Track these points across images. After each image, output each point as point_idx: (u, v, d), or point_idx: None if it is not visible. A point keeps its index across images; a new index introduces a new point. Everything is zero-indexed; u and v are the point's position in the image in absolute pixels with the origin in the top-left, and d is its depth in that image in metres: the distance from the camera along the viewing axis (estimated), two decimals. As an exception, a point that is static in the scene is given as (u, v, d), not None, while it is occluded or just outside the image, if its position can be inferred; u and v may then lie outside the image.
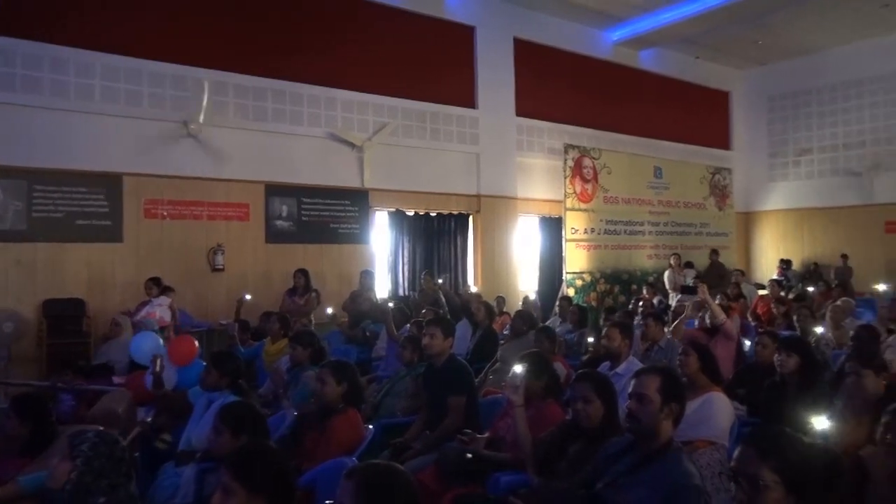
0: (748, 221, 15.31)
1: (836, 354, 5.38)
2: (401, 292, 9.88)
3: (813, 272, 13.27)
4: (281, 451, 2.12)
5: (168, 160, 8.10)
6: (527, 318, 6.11)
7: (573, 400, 2.90)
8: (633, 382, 2.48)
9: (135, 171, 7.88)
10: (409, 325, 6.21)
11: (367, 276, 8.41)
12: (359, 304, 7.87)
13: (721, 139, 15.20)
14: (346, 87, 9.48)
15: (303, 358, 4.57)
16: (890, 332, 6.06)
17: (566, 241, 10.76)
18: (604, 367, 4.31)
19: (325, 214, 9.32)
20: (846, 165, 13.87)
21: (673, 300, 9.57)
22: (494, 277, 10.78)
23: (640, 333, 5.51)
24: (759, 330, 6.05)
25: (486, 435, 3.52)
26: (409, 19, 10.06)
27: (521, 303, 9.51)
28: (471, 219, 10.87)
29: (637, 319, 6.88)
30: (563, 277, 10.83)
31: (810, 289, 9.98)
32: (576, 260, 10.86)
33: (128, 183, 7.86)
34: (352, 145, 9.47)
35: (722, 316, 5.36)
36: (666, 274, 11.23)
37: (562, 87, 11.97)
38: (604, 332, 4.57)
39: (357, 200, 9.60)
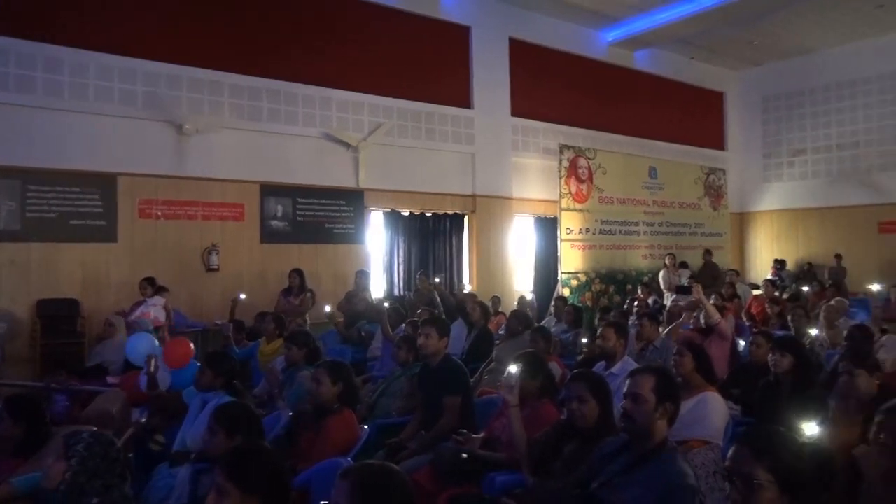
0: (743, 222, 15.37)
1: (830, 354, 5.41)
2: (396, 292, 9.88)
3: (807, 272, 13.33)
4: (275, 452, 2.11)
5: (163, 160, 8.07)
6: (522, 318, 6.11)
7: (568, 400, 2.90)
8: (627, 382, 2.49)
9: (129, 171, 7.86)
10: (404, 325, 6.21)
11: (362, 276, 8.41)
12: (354, 305, 7.87)
13: (716, 140, 15.25)
14: (342, 87, 9.47)
15: (298, 358, 4.57)
16: (883, 331, 6.09)
17: (561, 241, 10.77)
18: (599, 366, 4.32)
19: (320, 214, 9.31)
20: (840, 166, 13.93)
21: (668, 300, 9.59)
22: (490, 277, 10.78)
23: (636, 333, 5.53)
24: (754, 330, 6.07)
25: (482, 435, 3.53)
26: (405, 19, 10.06)
27: (516, 302, 9.51)
28: (466, 219, 10.88)
29: (632, 319, 6.90)
30: (559, 277, 10.84)
31: (805, 288, 10.02)
32: (571, 260, 10.87)
33: (122, 183, 7.84)
34: (347, 145, 9.46)
35: (717, 316, 5.38)
36: (661, 274, 11.25)
37: (557, 88, 11.98)
38: (599, 332, 4.57)
39: (352, 200, 9.59)
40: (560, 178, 10.71)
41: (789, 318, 6.63)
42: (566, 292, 10.48)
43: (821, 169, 14.26)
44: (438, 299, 7.82)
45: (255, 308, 7.19)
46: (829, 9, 11.67)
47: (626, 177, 11.84)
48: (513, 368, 3.25)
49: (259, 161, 8.77)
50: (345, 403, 3.49)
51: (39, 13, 7.34)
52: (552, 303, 8.90)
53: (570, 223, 10.86)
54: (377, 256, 10.08)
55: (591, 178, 11.18)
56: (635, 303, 8.62)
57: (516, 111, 11.37)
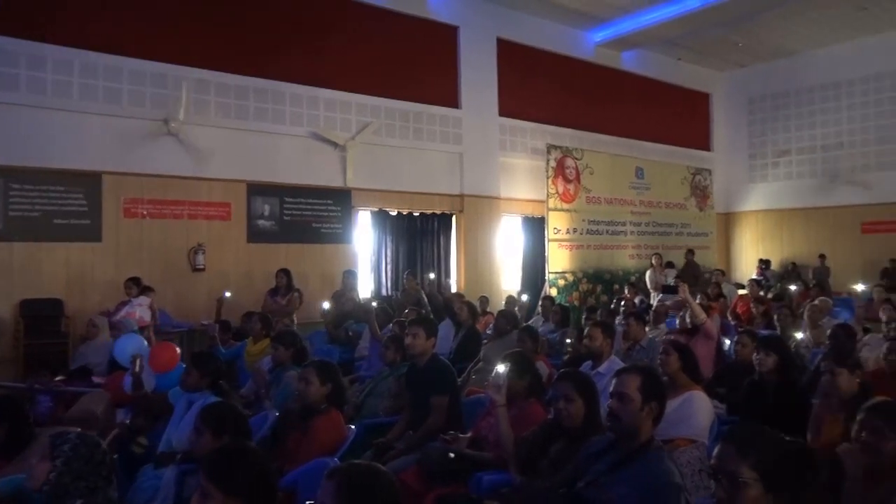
0: (728, 222, 15.49)
1: (814, 353, 5.46)
2: (384, 292, 9.86)
3: (791, 272, 13.46)
4: (260, 452, 2.10)
5: (148, 159, 8.01)
6: (510, 318, 6.12)
7: (555, 399, 2.91)
8: (614, 382, 2.50)
9: (114, 170, 7.79)
10: (391, 324, 6.21)
11: (349, 276, 8.40)
12: (342, 304, 7.85)
13: (702, 140, 15.36)
14: (329, 87, 9.44)
15: (285, 358, 4.55)
16: (866, 330, 6.17)
17: (549, 240, 10.80)
18: (586, 366, 4.34)
19: (307, 214, 9.28)
20: (824, 167, 14.07)
21: (654, 300, 9.64)
22: (477, 277, 10.79)
23: (622, 333, 5.55)
24: (739, 329, 6.11)
25: (469, 434, 3.53)
26: (392, 18, 10.05)
27: (503, 302, 9.52)
28: (454, 219, 10.88)
29: (619, 319, 6.93)
30: (546, 277, 10.87)
31: (793, 287, 10.11)
32: (558, 260, 10.90)
33: (107, 182, 7.77)
34: (334, 145, 9.44)
35: (702, 315, 5.41)
36: (647, 274, 11.32)
37: (545, 88, 12.02)
38: (586, 331, 4.59)
39: (340, 200, 9.57)
40: (547, 178, 10.74)
41: (775, 317, 6.69)
42: (553, 292, 10.52)
43: (805, 170, 14.40)
44: (425, 299, 7.82)
45: (241, 308, 7.16)
46: (813, 11, 11.79)
47: (613, 177, 11.89)
48: (501, 368, 3.26)
49: (246, 160, 8.73)
50: (332, 404, 3.48)
51: (22, 10, 7.26)
52: (539, 302, 8.93)
53: (558, 223, 10.89)
54: (365, 256, 10.05)
55: (578, 179, 11.22)
56: (622, 302, 8.66)
57: (504, 111, 11.39)
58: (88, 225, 7.66)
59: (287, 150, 9.09)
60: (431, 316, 6.99)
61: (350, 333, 7.34)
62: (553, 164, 10.81)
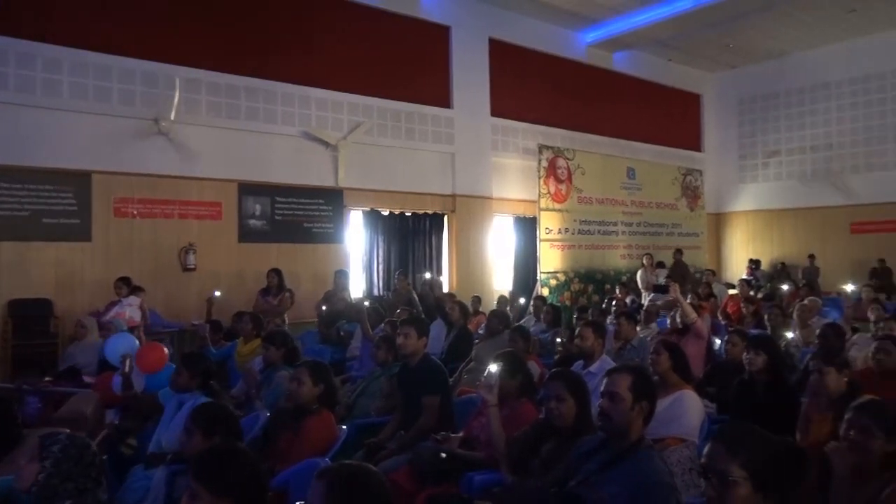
0: (719, 222, 15.57)
1: (804, 352, 5.49)
2: (375, 292, 9.86)
3: (780, 272, 13.54)
4: (249, 452, 2.08)
5: (139, 158, 7.97)
6: (502, 318, 6.13)
7: (546, 399, 2.92)
8: (604, 381, 2.51)
9: (104, 169, 7.75)
10: (383, 324, 6.20)
11: (341, 275, 8.38)
12: (333, 304, 7.84)
13: (693, 141, 15.43)
14: (321, 86, 9.42)
15: (276, 358, 4.53)
16: (855, 330, 6.22)
17: (540, 240, 10.83)
18: (577, 365, 4.35)
19: (299, 213, 9.26)
20: (813, 167, 14.17)
21: (645, 299, 9.68)
22: (469, 277, 10.80)
23: (614, 332, 5.57)
24: (729, 329, 6.14)
25: (460, 434, 3.53)
26: (385, 18, 10.04)
27: (495, 302, 9.52)
28: (446, 218, 10.88)
29: (610, 318, 6.95)
30: (538, 277, 10.89)
31: (784, 287, 10.18)
32: (550, 260, 10.93)
33: (97, 181, 7.72)
34: (326, 144, 9.42)
35: (693, 315, 5.44)
36: (639, 273, 11.36)
37: (536, 88, 12.04)
38: (577, 331, 4.60)
39: (331, 200, 9.55)
40: (539, 178, 10.77)
41: (765, 317, 6.73)
42: (545, 292, 10.54)
43: (795, 170, 14.50)
44: (417, 299, 7.82)
45: (232, 308, 7.12)
46: (803, 13, 11.87)
47: (604, 177, 11.93)
48: (493, 368, 3.26)
49: (237, 159, 8.70)
50: (324, 404, 3.47)
51: (10, 9, 7.20)
52: (531, 302, 8.94)
53: (549, 223, 10.92)
54: (356, 256, 10.04)
55: (569, 179, 11.24)
56: (613, 302, 8.69)
57: (496, 111, 11.40)
58: (78, 224, 7.61)
59: (278, 149, 9.06)
60: (423, 316, 6.99)
61: (342, 333, 7.33)
62: (545, 164, 10.84)
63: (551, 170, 10.97)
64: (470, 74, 11.06)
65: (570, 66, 12.57)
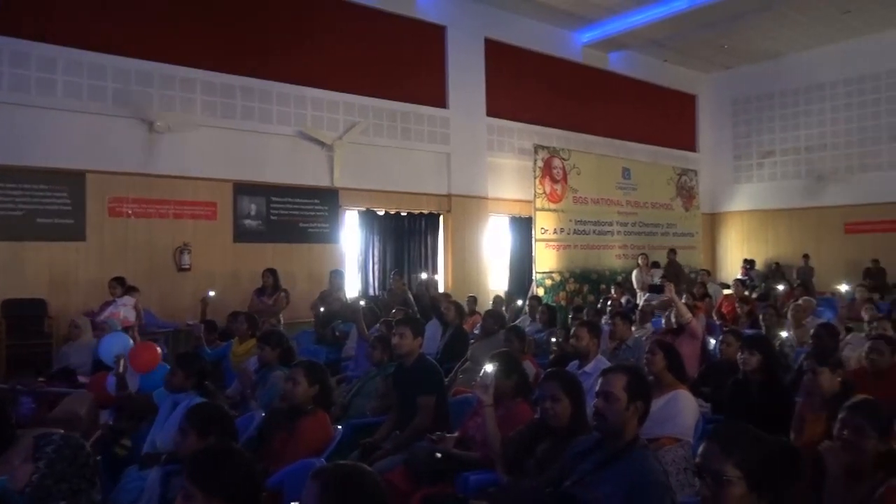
0: (714, 222, 15.61)
1: (798, 352, 5.51)
2: (371, 292, 9.85)
3: (775, 272, 13.59)
4: (243, 452, 2.08)
5: (133, 157, 7.95)
6: (497, 318, 6.13)
7: (541, 399, 2.92)
8: (599, 381, 2.51)
9: (99, 169, 7.72)
10: (378, 324, 6.19)
11: (336, 275, 8.36)
12: (329, 304, 7.83)
13: (688, 141, 15.47)
14: (316, 86, 9.41)
15: (271, 358, 4.52)
16: (849, 330, 6.24)
17: (536, 240, 10.84)
18: (572, 365, 4.36)
19: (294, 213, 9.25)
20: (808, 168, 14.23)
21: (640, 299, 9.69)
22: (465, 277, 10.81)
23: (609, 332, 5.58)
24: (724, 329, 6.16)
25: (456, 434, 3.53)
26: (380, 18, 10.03)
27: (491, 302, 9.53)
28: (441, 218, 10.88)
29: (605, 318, 6.96)
30: (533, 277, 10.90)
31: (780, 287, 10.21)
32: (545, 260, 10.94)
33: (91, 180, 7.70)
34: (322, 144, 9.41)
35: (688, 315, 5.45)
36: (634, 273, 11.38)
37: (532, 88, 12.05)
38: (573, 331, 4.60)
39: (327, 199, 9.54)
40: (535, 178, 10.78)
41: (760, 317, 6.74)
42: (541, 292, 10.55)
43: (789, 171, 14.55)
44: (412, 299, 7.81)
45: (227, 308, 7.10)
46: (798, 14, 11.92)
47: (599, 177, 11.95)
48: (489, 368, 3.26)
49: (232, 159, 8.68)
50: (319, 405, 3.46)
51: (5, 8, 7.17)
52: (526, 302, 8.95)
53: (545, 223, 10.93)
54: (352, 256, 10.03)
55: (565, 179, 11.26)
56: (608, 302, 8.70)
57: (492, 111, 11.41)
58: (72, 224, 7.58)
59: (274, 149, 9.05)
60: (418, 316, 6.99)
61: (337, 333, 7.33)
62: (540, 164, 10.84)
63: (547, 170, 10.98)
64: (466, 74, 11.06)
65: (566, 66, 12.59)
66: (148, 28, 8.08)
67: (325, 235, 9.52)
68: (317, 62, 9.46)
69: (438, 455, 3.30)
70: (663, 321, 6.10)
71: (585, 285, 11.47)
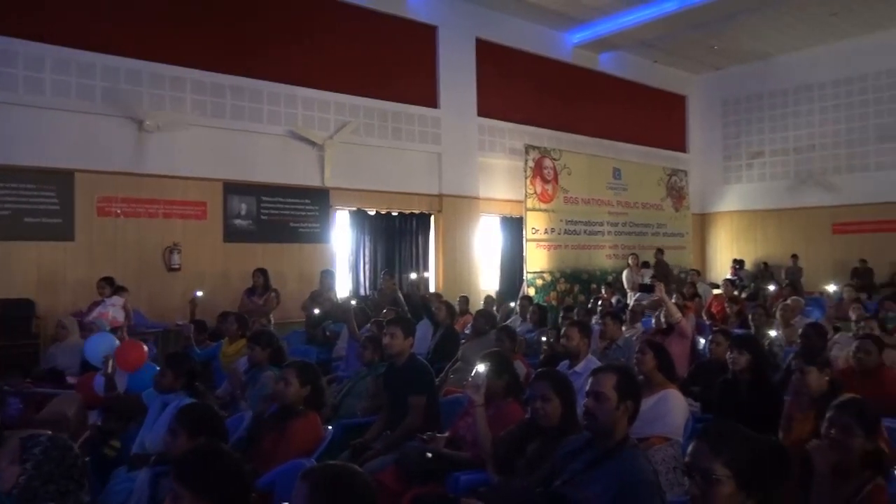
0: (703, 222, 15.69)
1: (787, 352, 5.55)
2: (362, 292, 9.83)
3: (764, 272, 13.67)
4: (231, 453, 2.07)
5: (122, 157, 7.90)
6: (488, 318, 6.14)
7: (532, 398, 2.92)
8: (590, 381, 2.52)
9: (87, 168, 7.66)
10: (369, 324, 6.19)
11: (327, 275, 8.35)
12: (320, 304, 7.81)
13: (678, 142, 15.54)
14: (307, 85, 9.38)
15: (261, 358, 4.50)
16: (836, 329, 6.29)
17: (527, 240, 10.85)
18: (563, 365, 4.36)
19: (285, 213, 9.22)
20: (796, 168, 14.33)
21: (631, 299, 9.73)
22: (456, 277, 10.81)
23: (599, 332, 5.59)
24: (714, 328, 6.19)
25: (447, 434, 3.54)
26: (371, 17, 10.01)
27: (482, 302, 9.54)
28: (432, 218, 10.88)
29: (596, 318, 6.98)
30: (524, 277, 10.92)
31: (771, 287, 10.26)
32: (536, 259, 10.95)
33: (80, 180, 7.64)
34: (312, 143, 9.38)
35: (677, 315, 5.47)
36: (624, 273, 11.42)
37: (523, 88, 12.07)
38: (563, 331, 4.61)
39: (318, 199, 9.52)
40: (525, 178, 10.79)
41: (750, 317, 6.79)
42: (531, 292, 10.56)
43: (778, 171, 14.65)
44: (402, 299, 7.81)
45: (217, 308, 7.08)
46: (787, 16, 12.00)
47: (590, 177, 11.98)
48: (481, 368, 3.26)
49: (222, 159, 8.64)
50: (310, 406, 3.45)
51: (-8, 4, 7.12)
52: (517, 302, 8.96)
53: (536, 223, 10.94)
54: (343, 256, 10.01)
55: (556, 179, 11.28)
56: (599, 302, 8.72)
57: (482, 111, 11.42)
58: (60, 224, 7.53)
59: (264, 148, 9.01)
60: (408, 315, 6.98)
61: (328, 333, 7.31)
62: (531, 164, 10.86)
63: (538, 170, 11.00)
64: (457, 74, 11.06)
65: (557, 66, 12.61)
66: (138, 27, 8.02)
67: (315, 235, 9.50)
68: (307, 61, 9.43)
69: (429, 455, 3.30)
70: (653, 321, 6.13)
71: (576, 285, 11.50)
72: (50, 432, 2.46)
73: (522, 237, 10.96)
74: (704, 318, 8.36)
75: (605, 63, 13.48)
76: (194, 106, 8.43)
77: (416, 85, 10.67)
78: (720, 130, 15.59)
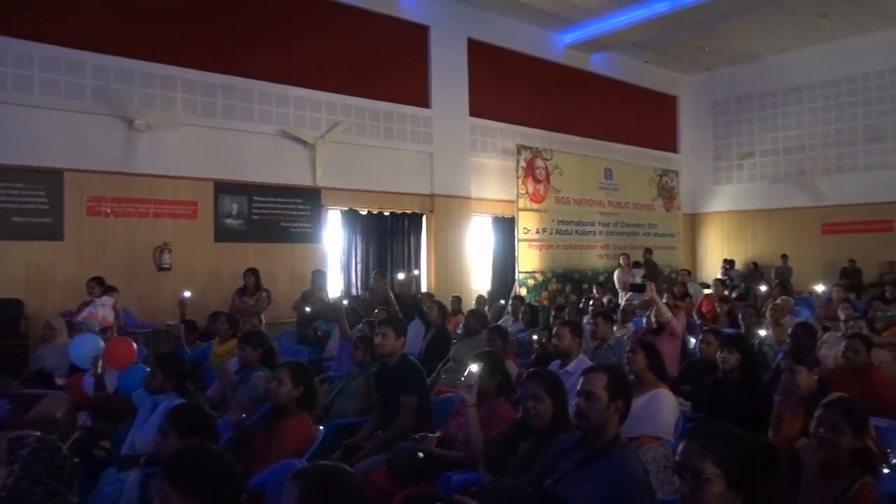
0: (694, 222, 15.76)
1: (777, 351, 5.58)
2: (353, 292, 9.81)
3: (754, 272, 13.74)
4: (221, 453, 2.06)
5: (112, 156, 7.85)
6: (480, 318, 6.14)
7: (524, 398, 2.93)
8: (581, 380, 2.52)
9: (77, 167, 7.62)
10: (361, 324, 6.18)
11: (318, 275, 8.33)
12: (311, 304, 7.79)
13: (669, 142, 15.61)
14: (299, 84, 9.36)
15: (253, 358, 4.48)
16: (826, 329, 6.33)
17: (519, 240, 10.86)
18: (554, 365, 4.37)
19: (276, 213, 9.19)
20: (786, 169, 14.42)
21: (622, 299, 9.76)
22: (448, 277, 10.81)
23: (590, 332, 5.61)
24: (704, 328, 6.22)
25: (438, 434, 3.54)
26: (363, 17, 10.00)
27: (473, 302, 9.54)
28: (424, 218, 10.87)
29: (587, 318, 7.00)
30: (516, 277, 10.93)
31: (763, 287, 10.32)
32: (528, 259, 10.97)
33: (69, 179, 7.59)
34: (304, 143, 9.36)
35: (668, 314, 5.49)
36: (616, 273, 11.44)
37: (515, 89, 12.08)
38: (555, 330, 4.62)
39: (309, 199, 9.49)
40: (517, 178, 10.80)
41: (740, 316, 6.82)
42: (523, 291, 10.58)
43: (768, 172, 14.73)
44: (394, 298, 7.80)
45: (208, 308, 7.04)
46: (777, 17, 12.08)
47: (582, 177, 12.01)
48: (473, 367, 3.26)
49: (213, 158, 8.60)
50: (302, 407, 3.44)
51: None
52: (509, 302, 8.97)
53: (528, 223, 10.96)
54: (334, 256, 9.99)
55: (547, 179, 11.30)
56: (590, 302, 8.75)
57: (474, 111, 11.42)
58: (49, 223, 7.47)
59: (256, 148, 8.98)
60: (400, 315, 6.98)
61: (319, 333, 7.29)
62: (523, 164, 10.88)
63: (529, 170, 11.02)
64: (448, 74, 11.06)
65: (549, 66, 12.63)
66: (128, 25, 7.98)
67: (307, 235, 9.47)
68: (299, 61, 9.40)
69: (421, 455, 3.30)
70: (644, 321, 6.15)
71: (568, 285, 11.52)
72: (38, 433, 2.45)
73: (514, 237, 10.97)
74: (695, 317, 8.41)
75: (597, 63, 13.52)
76: (185, 105, 8.39)
77: (408, 85, 10.66)
78: (711, 131, 15.66)
